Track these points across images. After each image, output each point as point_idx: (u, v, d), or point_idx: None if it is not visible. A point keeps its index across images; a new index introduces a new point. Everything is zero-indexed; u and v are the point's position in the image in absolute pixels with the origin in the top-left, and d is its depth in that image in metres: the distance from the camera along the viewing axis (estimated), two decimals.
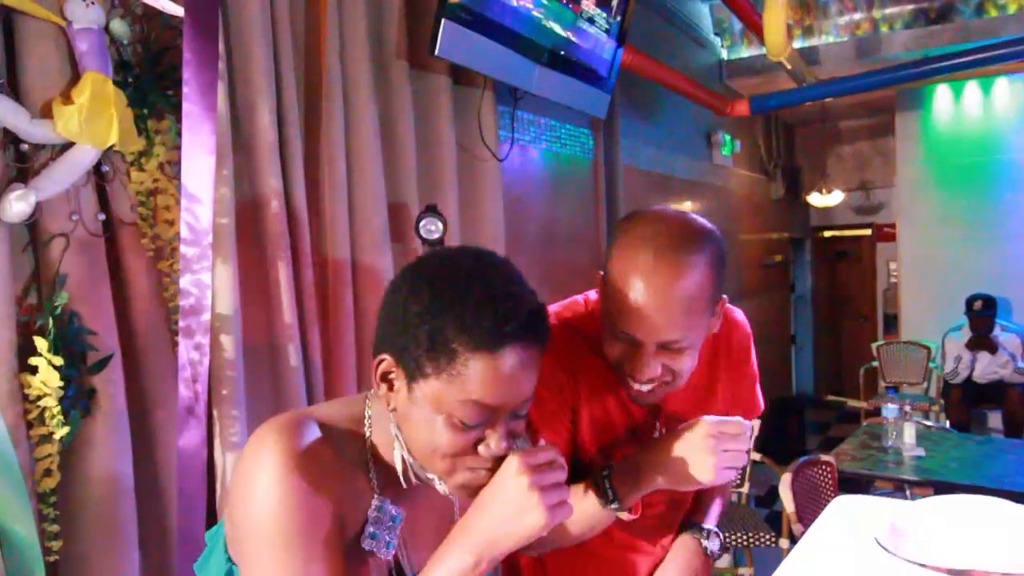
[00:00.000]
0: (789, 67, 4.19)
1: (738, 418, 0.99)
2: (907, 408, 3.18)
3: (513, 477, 0.80)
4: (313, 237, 1.98)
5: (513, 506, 0.79)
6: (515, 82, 2.61)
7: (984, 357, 4.96)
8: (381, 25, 2.30)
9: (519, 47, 2.51)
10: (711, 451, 0.94)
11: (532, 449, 0.83)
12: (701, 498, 1.27)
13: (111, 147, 1.49)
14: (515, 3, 2.44)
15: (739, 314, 1.26)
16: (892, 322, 7.07)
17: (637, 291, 0.92)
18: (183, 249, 1.59)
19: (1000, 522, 1.23)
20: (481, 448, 0.82)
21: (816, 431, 6.70)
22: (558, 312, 1.12)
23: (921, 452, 3.06)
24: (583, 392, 1.05)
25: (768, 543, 3.06)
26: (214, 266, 1.65)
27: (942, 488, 2.83)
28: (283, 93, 1.90)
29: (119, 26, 1.55)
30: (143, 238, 1.61)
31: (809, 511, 2.63)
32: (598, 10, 2.92)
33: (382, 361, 0.84)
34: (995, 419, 5.21)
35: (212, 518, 1.68)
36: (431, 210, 2.20)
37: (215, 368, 1.67)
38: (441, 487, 0.86)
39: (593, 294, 1.14)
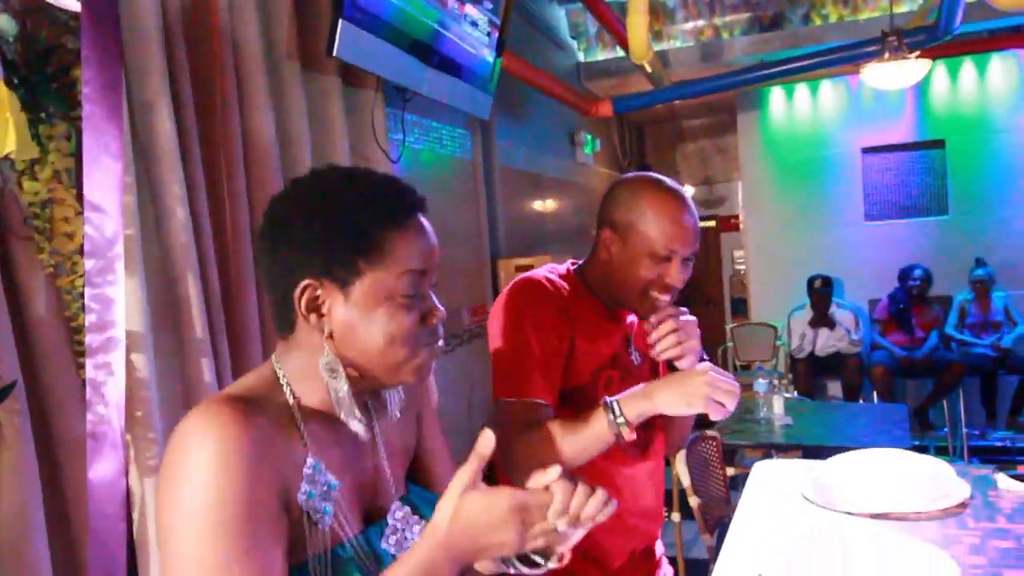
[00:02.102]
0: (649, 70, 4.44)
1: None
2: (775, 382, 3.49)
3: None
4: (217, 247, 1.89)
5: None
6: (408, 84, 2.61)
7: (824, 332, 5.49)
8: (271, 26, 2.22)
9: (411, 49, 2.52)
10: (707, 384, 1.17)
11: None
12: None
13: (7, 155, 1.36)
14: (407, 6, 2.44)
15: None
16: (739, 306, 7.65)
17: (678, 214, 1.28)
18: (86, 263, 1.47)
19: (904, 470, 1.40)
20: (428, 319, 0.89)
21: None
22: (551, 270, 1.41)
23: (789, 420, 3.37)
24: (578, 326, 1.32)
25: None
26: (120, 281, 1.54)
27: (809, 451, 3.13)
28: (179, 95, 1.80)
29: (4, 22, 1.41)
30: (40, 253, 1.48)
31: (701, 483, 2.82)
32: (480, 15, 2.98)
33: (306, 288, 0.84)
34: (834, 387, 5.80)
35: (132, 550, 1.57)
36: None
37: (128, 389, 1.56)
38: (357, 427, 0.89)
39: (560, 267, 1.43)
